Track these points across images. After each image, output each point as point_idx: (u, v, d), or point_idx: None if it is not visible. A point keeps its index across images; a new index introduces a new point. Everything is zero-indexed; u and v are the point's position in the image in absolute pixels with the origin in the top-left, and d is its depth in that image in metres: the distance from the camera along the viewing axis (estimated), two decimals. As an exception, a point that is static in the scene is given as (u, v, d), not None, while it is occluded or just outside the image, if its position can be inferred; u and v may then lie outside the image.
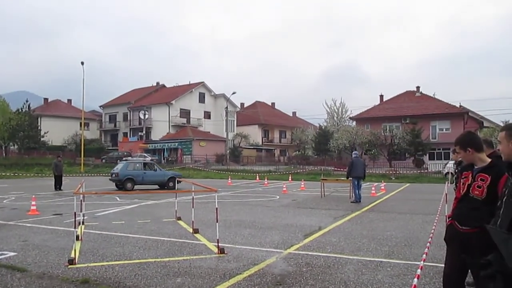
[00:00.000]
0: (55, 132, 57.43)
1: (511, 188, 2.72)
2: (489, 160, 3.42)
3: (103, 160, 51.20)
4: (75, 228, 6.60)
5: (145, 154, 49.91)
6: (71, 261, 6.05)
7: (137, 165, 21.87)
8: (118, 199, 15.70)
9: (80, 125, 51.21)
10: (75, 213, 6.56)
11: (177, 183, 20.63)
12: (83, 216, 9.48)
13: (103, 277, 5.45)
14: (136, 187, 20.49)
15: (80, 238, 7.78)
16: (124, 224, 9.91)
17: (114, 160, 49.90)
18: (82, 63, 43.00)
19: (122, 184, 20.50)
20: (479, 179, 3.31)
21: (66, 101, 74.41)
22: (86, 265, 6.03)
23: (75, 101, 72.25)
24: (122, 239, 8.02)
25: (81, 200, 8.40)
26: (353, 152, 17.18)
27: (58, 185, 20.79)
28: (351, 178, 15.39)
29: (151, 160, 25.80)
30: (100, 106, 72.67)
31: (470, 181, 3.38)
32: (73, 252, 6.37)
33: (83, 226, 9.02)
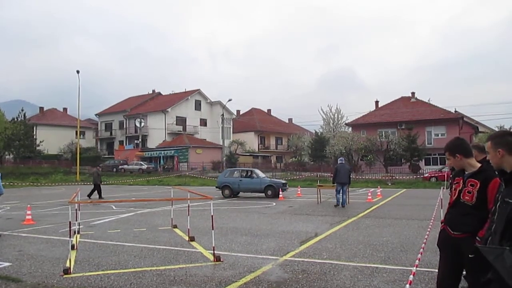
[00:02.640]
0: (50, 141, 57.25)
1: (503, 194, 2.75)
2: (479, 165, 3.45)
3: (99, 169, 50.98)
4: (70, 237, 6.58)
5: (141, 162, 49.80)
6: (66, 271, 6.02)
7: (235, 172, 21.92)
8: (114, 207, 15.64)
9: (76, 134, 51.04)
10: (70, 222, 6.54)
11: (283, 191, 20.00)
12: (79, 225, 9.44)
13: (98, 287, 5.43)
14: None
15: (75, 247, 7.75)
16: (120, 232, 9.88)
17: (110, 168, 49.80)
18: (78, 71, 42.99)
19: (221, 191, 21.12)
20: (469, 184, 3.35)
21: (61, 110, 74.24)
22: (81, 274, 6.01)
23: (70, 109, 72.15)
24: (117, 247, 8.00)
25: (76, 209, 8.37)
26: (339, 159, 17.35)
27: (100, 193, 21.04)
28: (336, 184, 15.75)
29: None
30: (96, 115, 72.57)
31: (461, 186, 3.42)
32: (68, 261, 6.35)
33: (78, 236, 8.99)
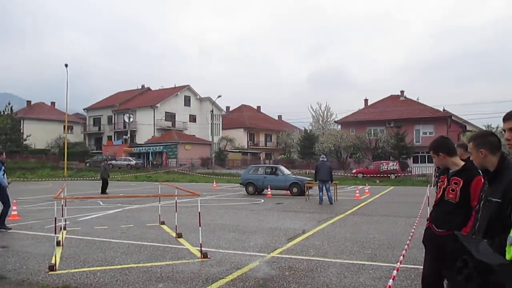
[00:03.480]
0: (38, 135, 56.58)
1: (487, 193, 2.79)
2: (462, 163, 3.50)
3: (87, 164, 50.60)
4: (55, 233, 6.51)
5: (129, 158, 49.51)
6: (52, 267, 5.96)
7: (260, 169, 21.61)
8: (101, 203, 15.52)
9: (64, 128, 50.55)
10: (55, 218, 6.47)
11: (309, 189, 18.86)
12: (65, 221, 9.35)
13: (84, 283, 5.38)
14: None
15: (61, 243, 7.68)
16: (107, 229, 9.81)
17: (98, 164, 49.42)
18: (66, 65, 42.51)
19: (245, 188, 20.89)
20: (453, 182, 3.39)
21: (49, 104, 73.38)
22: (67, 271, 5.95)
23: (58, 103, 71.25)
24: (104, 244, 7.94)
25: (62, 205, 8.28)
26: (321, 156, 17.44)
27: (105, 188, 21.17)
28: (318, 182, 15.85)
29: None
30: (84, 109, 71.84)
31: (445, 184, 3.46)
32: (53, 258, 6.28)
33: (64, 232, 8.90)
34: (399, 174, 34.94)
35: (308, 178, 21.26)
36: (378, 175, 34.43)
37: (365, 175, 35.37)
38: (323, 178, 15.62)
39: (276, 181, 20.29)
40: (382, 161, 38.43)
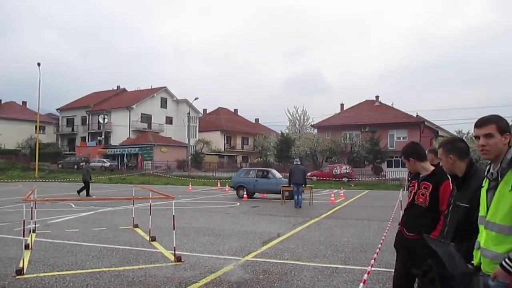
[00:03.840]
0: (8, 135, 55.02)
1: (455, 197, 2.85)
2: (432, 168, 3.58)
3: (60, 165, 49.48)
4: (23, 236, 6.32)
5: (104, 160, 48.67)
6: (19, 272, 5.78)
7: (251, 172, 21.14)
8: (73, 206, 15.20)
9: (36, 129, 49.29)
10: (23, 220, 6.29)
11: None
12: (35, 224, 9.11)
13: (52, 288, 5.24)
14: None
15: (30, 247, 7.47)
16: (78, 232, 9.60)
17: (71, 165, 48.40)
18: (39, 64, 41.54)
19: (236, 191, 20.38)
20: (422, 187, 3.47)
21: (21, 103, 71.43)
22: (35, 275, 5.79)
23: (30, 103, 69.45)
24: (75, 247, 7.76)
25: (31, 207, 8.06)
26: (295, 160, 17.54)
27: (88, 190, 20.54)
28: (292, 185, 15.91)
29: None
30: (57, 109, 70.19)
31: (416, 189, 3.54)
32: (21, 261, 6.09)
33: (34, 235, 8.67)
34: (352, 178, 36.19)
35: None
36: (332, 178, 35.46)
37: (319, 178, 36.48)
38: (297, 182, 15.73)
39: (267, 185, 19.85)
40: (335, 165, 39.82)
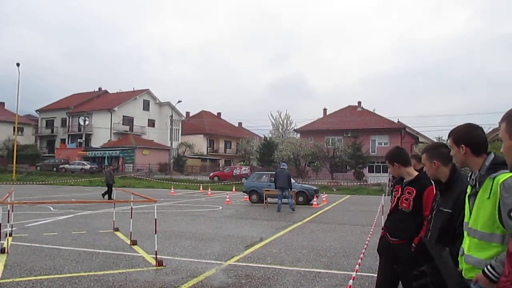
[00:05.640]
0: (-16, 136, 53.73)
1: (438, 203, 2.86)
2: (416, 173, 3.60)
3: (38, 168, 48.50)
4: (0, 240, 6.14)
5: (84, 162, 47.92)
6: (-6, 276, 5.62)
7: (264, 176, 20.63)
8: (52, 209, 14.88)
9: (14, 130, 48.23)
10: (0, 224, 6.11)
11: (316, 198, 18.94)
12: (11, 227, 8.87)
13: (29, 293, 5.10)
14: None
15: (6, 251, 7.26)
16: (57, 235, 9.39)
17: (50, 167, 47.46)
18: (18, 64, 40.65)
19: (248, 196, 19.97)
20: (406, 192, 3.48)
21: (-2, 104, 69.87)
22: (11, 280, 5.62)
23: (8, 104, 67.98)
24: (53, 251, 7.58)
25: (8, 210, 7.85)
26: (281, 164, 17.58)
27: (110, 194, 19.82)
28: (278, 189, 15.95)
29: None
30: (36, 111, 68.81)
31: (399, 194, 3.55)
32: (-4, 266, 5.92)
33: (10, 238, 8.43)
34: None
35: (315, 187, 20.82)
36: (232, 178, 38.68)
37: (221, 178, 39.57)
38: (281, 186, 15.76)
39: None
40: (235, 166, 43.51)
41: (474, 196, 2.26)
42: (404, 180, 3.59)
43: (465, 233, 2.31)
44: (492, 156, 2.32)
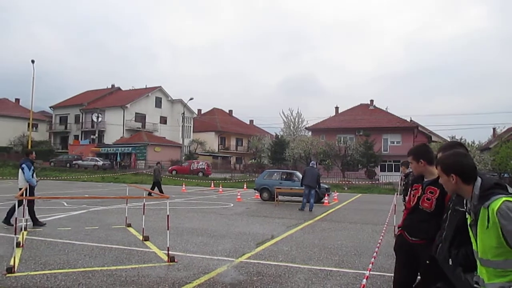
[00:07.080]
0: (0, 132, 54.58)
1: (454, 202, 2.83)
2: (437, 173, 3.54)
3: (52, 163, 49.14)
4: (15, 234, 6.24)
5: (96, 158, 48.39)
6: (10, 270, 5.70)
7: (275, 174, 20.70)
8: (65, 204, 15.06)
9: (28, 126, 48.89)
10: (16, 218, 6.21)
11: (328, 196, 18.77)
12: (26, 222, 9.01)
13: (44, 286, 5.17)
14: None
15: (21, 245, 7.38)
16: (71, 230, 9.50)
17: (63, 163, 48.02)
18: (33, 61, 41.18)
19: (259, 194, 19.94)
20: (428, 191, 3.40)
21: (13, 100, 70.88)
22: (26, 273, 5.71)
23: (23, 100, 68.94)
24: (67, 246, 7.67)
25: (24, 205, 7.97)
26: (311, 162, 17.51)
27: (160, 190, 19.97)
28: (304, 187, 15.71)
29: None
30: (50, 107, 69.75)
31: (420, 193, 3.47)
32: (12, 259, 6.02)
33: (25, 232, 8.57)
34: (208, 174, 42.05)
35: (326, 186, 20.50)
36: (189, 173, 41.16)
37: (178, 172, 42.09)
38: (308, 183, 15.46)
39: (292, 187, 19.07)
40: (193, 160, 45.72)
41: (474, 226, 2.28)
42: (425, 179, 3.52)
43: (478, 262, 2.32)
44: (479, 182, 2.34)
